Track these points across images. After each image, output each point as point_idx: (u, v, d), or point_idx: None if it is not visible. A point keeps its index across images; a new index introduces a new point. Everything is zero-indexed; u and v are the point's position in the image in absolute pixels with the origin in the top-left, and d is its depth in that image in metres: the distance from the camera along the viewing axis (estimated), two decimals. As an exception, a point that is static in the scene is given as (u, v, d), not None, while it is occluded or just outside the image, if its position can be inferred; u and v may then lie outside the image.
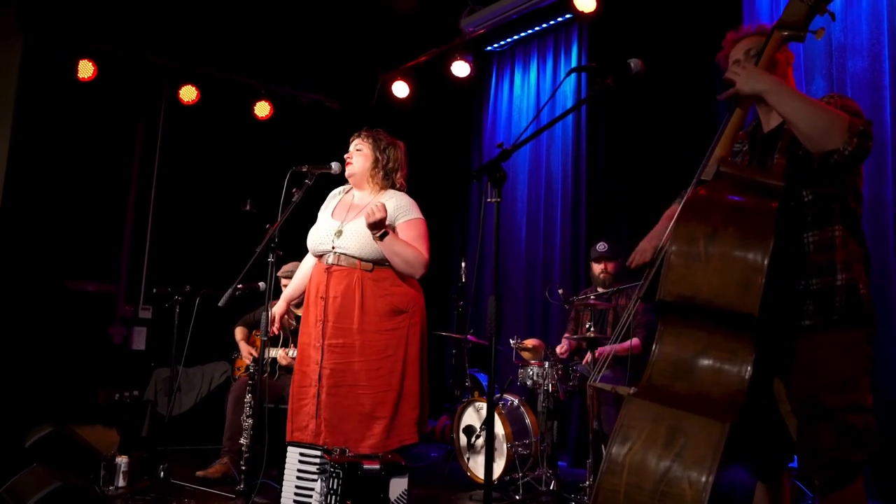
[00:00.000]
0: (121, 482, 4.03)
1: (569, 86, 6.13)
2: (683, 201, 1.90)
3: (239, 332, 5.00)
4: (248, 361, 4.69)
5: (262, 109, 6.91)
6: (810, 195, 2.14)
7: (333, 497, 2.79)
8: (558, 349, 4.76)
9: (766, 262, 1.75)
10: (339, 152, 3.60)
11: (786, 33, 2.16)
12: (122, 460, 4.07)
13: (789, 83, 2.32)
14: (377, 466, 2.85)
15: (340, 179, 3.60)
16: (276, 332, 3.61)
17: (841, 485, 2.04)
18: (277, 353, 4.55)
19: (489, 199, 2.13)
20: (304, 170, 3.49)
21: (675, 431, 1.65)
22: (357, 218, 3.34)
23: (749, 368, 1.76)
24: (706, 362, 1.79)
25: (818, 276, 2.11)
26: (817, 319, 2.09)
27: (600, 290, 4.76)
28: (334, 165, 3.51)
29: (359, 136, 3.53)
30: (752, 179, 2.03)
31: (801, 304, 2.10)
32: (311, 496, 2.90)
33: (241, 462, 4.15)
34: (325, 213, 3.55)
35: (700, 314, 1.79)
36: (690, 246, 1.80)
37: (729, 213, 1.86)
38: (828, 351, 2.08)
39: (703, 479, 1.57)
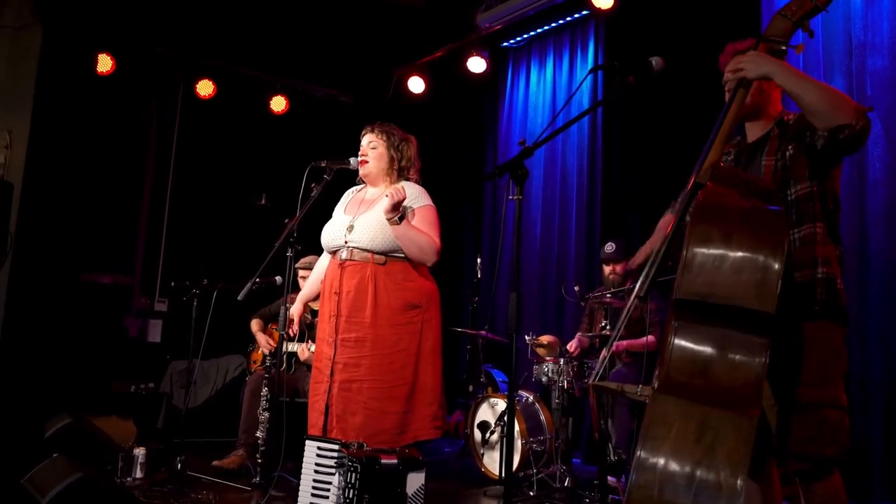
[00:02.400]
0: (138, 473, 4.05)
1: (585, 83, 6.12)
2: (695, 203, 1.94)
3: (255, 325, 5.03)
4: (266, 351, 4.71)
5: (278, 104, 6.95)
6: (794, 194, 2.25)
7: (351, 491, 2.80)
8: (568, 345, 4.76)
9: (782, 263, 1.81)
10: (354, 147, 3.61)
11: (771, 46, 2.23)
12: (139, 452, 4.09)
13: (775, 99, 2.44)
14: (395, 461, 2.86)
15: (358, 174, 3.61)
16: (295, 333, 3.64)
17: (816, 478, 2.13)
18: (296, 347, 4.58)
19: (511, 197, 2.15)
20: (322, 165, 3.51)
21: (703, 427, 1.70)
22: (368, 211, 3.35)
23: (765, 362, 1.82)
24: (723, 358, 1.83)
25: (799, 270, 2.20)
26: (800, 312, 2.17)
27: (610, 291, 4.75)
28: (353, 161, 3.52)
29: (371, 131, 3.51)
30: (749, 182, 2.13)
31: (785, 297, 2.14)
32: (328, 490, 2.92)
33: (258, 455, 4.18)
34: (338, 210, 3.57)
35: (716, 312, 1.83)
36: (707, 246, 1.85)
37: (741, 214, 1.92)
38: (809, 346, 2.16)
39: (739, 472, 1.61)
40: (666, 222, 2.67)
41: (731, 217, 1.91)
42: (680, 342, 1.84)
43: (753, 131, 2.46)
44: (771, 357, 1.86)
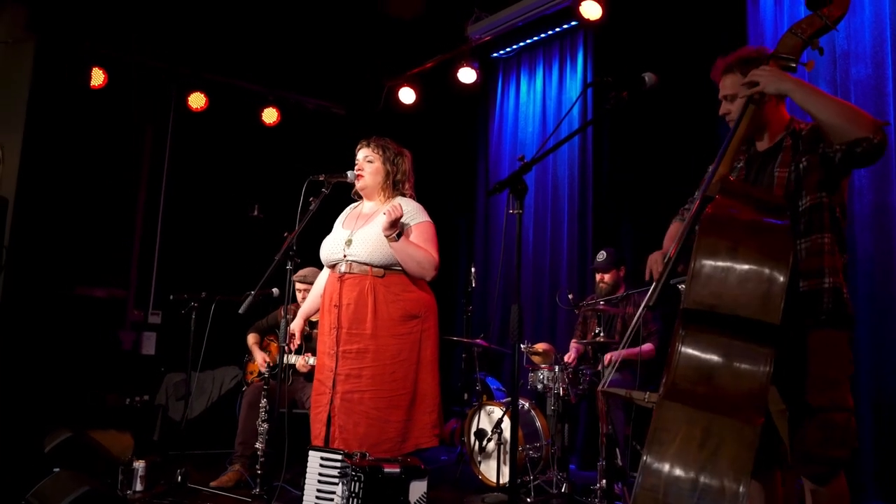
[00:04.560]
0: (139, 486, 4.06)
1: (573, 93, 6.19)
2: (703, 216, 1.99)
3: (251, 339, 5.05)
4: (262, 368, 4.75)
5: (270, 116, 6.98)
6: (804, 204, 2.28)
7: (355, 500, 2.85)
8: (566, 357, 4.82)
9: (787, 276, 1.86)
10: (346, 158, 3.65)
11: (782, 63, 2.29)
12: (139, 465, 4.11)
13: (781, 109, 2.47)
14: (397, 469, 2.91)
15: (353, 188, 3.65)
16: (297, 346, 3.69)
17: (826, 479, 2.19)
18: (295, 360, 4.61)
19: (511, 211, 2.20)
20: (320, 178, 3.55)
21: (708, 433, 1.76)
22: (366, 226, 3.41)
23: (768, 371, 1.87)
24: (728, 367, 1.89)
25: (806, 279, 2.25)
26: (807, 320, 2.22)
27: (603, 298, 4.82)
28: (349, 174, 3.57)
29: (367, 145, 3.56)
30: (757, 197, 2.17)
31: (791, 306, 2.20)
32: (332, 499, 2.96)
33: (257, 466, 4.20)
34: (337, 225, 3.62)
35: (722, 322, 1.88)
36: (714, 258, 1.91)
37: (748, 227, 1.97)
38: (815, 353, 2.21)
39: (741, 478, 1.67)
40: (674, 231, 2.71)
41: (737, 230, 1.96)
42: (686, 351, 1.90)
43: (764, 140, 2.49)
44: (779, 363, 1.91)
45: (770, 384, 2.12)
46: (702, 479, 1.69)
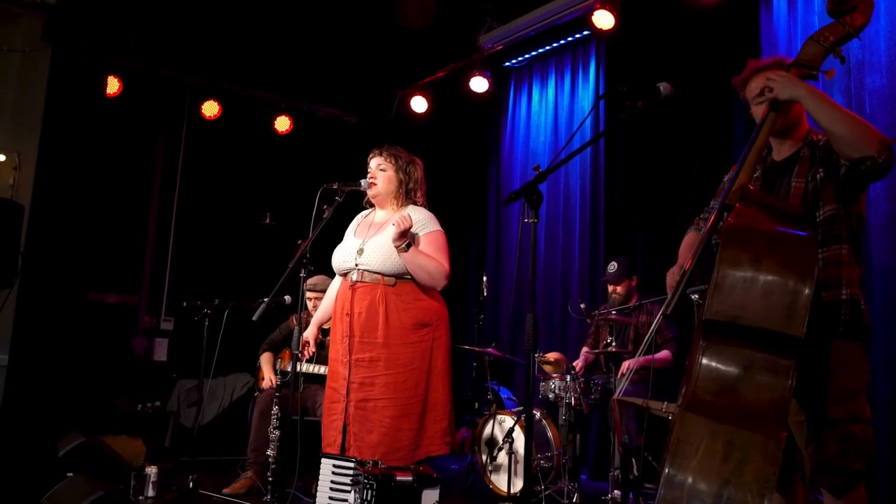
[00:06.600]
0: (150, 492, 4.06)
1: (586, 102, 6.20)
2: (724, 227, 1.98)
3: (265, 359, 5.04)
4: (264, 386, 4.78)
5: (283, 124, 7.01)
6: (822, 215, 2.28)
7: (367, 508, 2.85)
8: (575, 363, 4.82)
9: (812, 289, 1.85)
10: (357, 166, 3.66)
11: (803, 71, 2.28)
12: (151, 471, 4.11)
13: (804, 118, 2.46)
14: (410, 478, 2.91)
15: (366, 196, 3.66)
16: (311, 354, 3.69)
17: (843, 491, 2.17)
18: (307, 367, 4.61)
19: (526, 220, 2.20)
20: (334, 187, 3.56)
21: (730, 446, 1.74)
22: (378, 234, 3.42)
23: (791, 384, 1.85)
24: (750, 379, 1.87)
25: (826, 290, 2.23)
26: (825, 332, 2.20)
27: (615, 307, 4.81)
28: (363, 182, 3.58)
29: (380, 154, 3.58)
30: (777, 206, 2.16)
31: (811, 317, 2.20)
32: (344, 507, 2.96)
33: (269, 473, 4.20)
34: (348, 233, 3.63)
35: (744, 333, 1.87)
36: (736, 269, 1.89)
37: (771, 238, 1.96)
38: (833, 364, 2.20)
39: (766, 492, 1.65)
40: (690, 241, 2.70)
41: (760, 240, 1.94)
42: (708, 362, 1.88)
43: (782, 150, 2.48)
44: (798, 374, 1.89)
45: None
46: (726, 493, 1.68)
